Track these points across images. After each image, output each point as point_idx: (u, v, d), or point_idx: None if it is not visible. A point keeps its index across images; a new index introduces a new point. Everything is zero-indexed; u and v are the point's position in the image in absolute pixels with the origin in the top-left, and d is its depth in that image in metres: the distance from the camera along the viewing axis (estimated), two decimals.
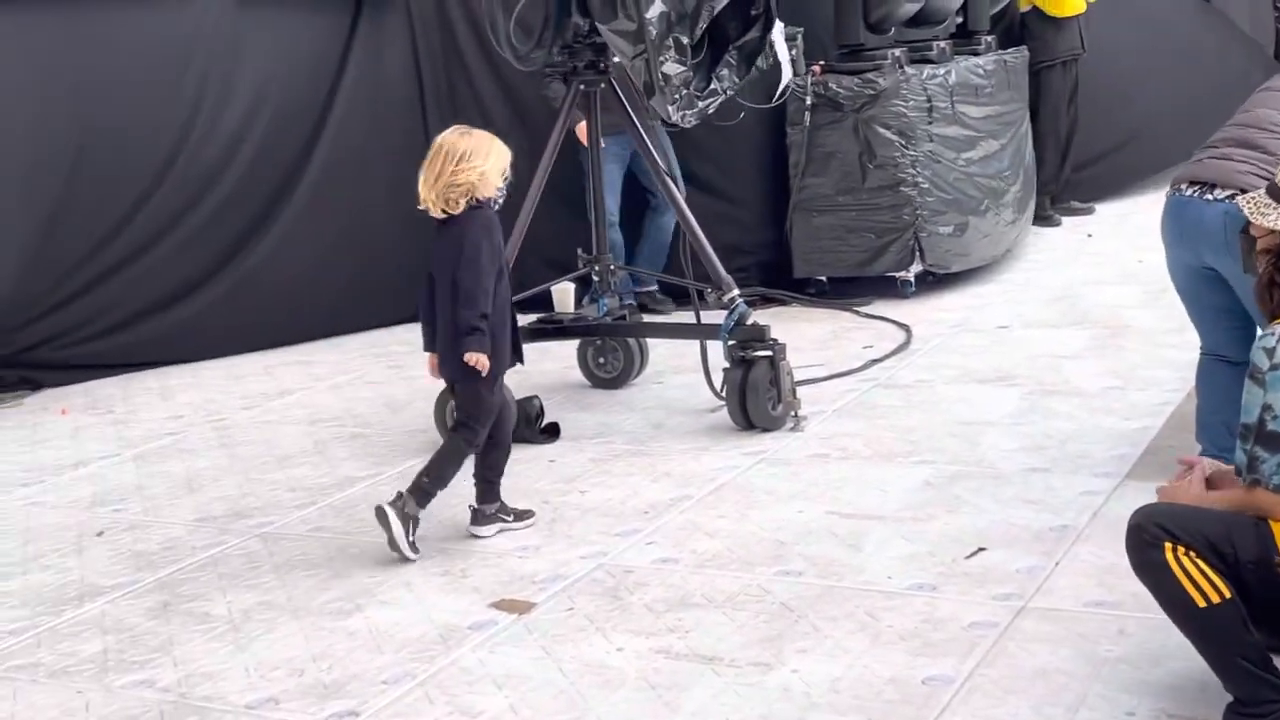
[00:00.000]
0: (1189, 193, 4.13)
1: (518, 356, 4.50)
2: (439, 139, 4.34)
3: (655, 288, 7.56)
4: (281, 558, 4.42)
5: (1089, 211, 9.54)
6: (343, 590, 4.12)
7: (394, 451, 5.46)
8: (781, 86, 6.00)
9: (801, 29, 7.13)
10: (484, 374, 4.26)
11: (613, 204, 7.21)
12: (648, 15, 5.05)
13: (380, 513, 4.26)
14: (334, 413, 6.13)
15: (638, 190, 7.48)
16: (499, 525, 4.47)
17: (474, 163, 4.24)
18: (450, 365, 4.33)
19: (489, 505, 4.48)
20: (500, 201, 4.37)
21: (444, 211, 4.31)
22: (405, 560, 4.24)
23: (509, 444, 4.52)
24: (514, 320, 4.46)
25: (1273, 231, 2.89)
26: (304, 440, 5.73)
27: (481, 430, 4.37)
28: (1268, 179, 3.87)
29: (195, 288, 7.19)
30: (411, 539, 4.26)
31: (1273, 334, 2.82)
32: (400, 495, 4.29)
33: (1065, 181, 9.55)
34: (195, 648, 3.80)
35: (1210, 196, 4.04)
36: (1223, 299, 4.12)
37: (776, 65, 5.91)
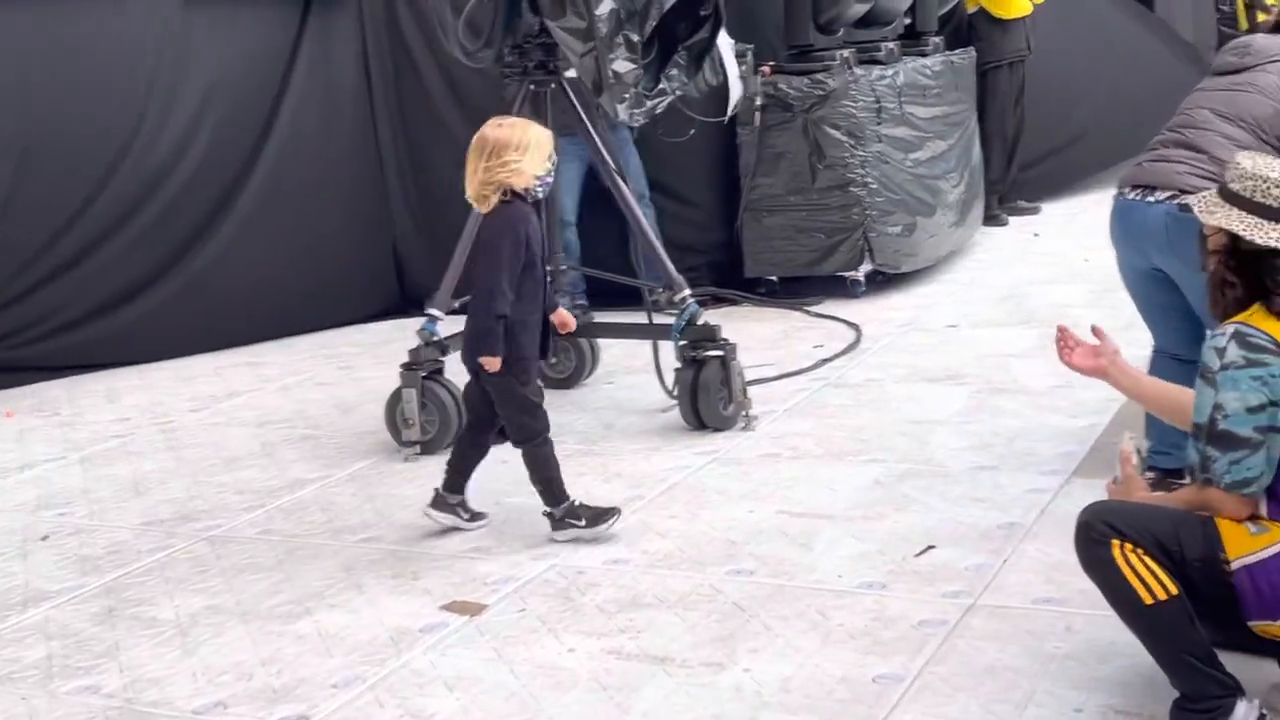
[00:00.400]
0: (1132, 196, 4.18)
1: (545, 352, 4.42)
2: (479, 132, 4.24)
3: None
4: (229, 561, 4.39)
5: (1035, 211, 9.63)
6: (292, 593, 4.09)
7: (344, 453, 5.43)
8: (732, 102, 6.03)
9: (751, 46, 7.17)
10: (504, 372, 4.20)
11: (570, 204, 7.19)
12: (597, 12, 5.05)
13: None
14: (283, 414, 6.09)
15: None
16: (454, 519, 4.46)
17: (507, 157, 4.14)
18: (471, 360, 4.27)
19: (452, 495, 4.47)
20: (541, 192, 4.27)
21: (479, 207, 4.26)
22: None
23: (486, 446, 4.47)
24: (545, 313, 4.35)
25: (1222, 231, 2.92)
26: (253, 442, 5.68)
27: (532, 422, 4.30)
28: (1207, 178, 3.93)
29: (143, 289, 7.12)
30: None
31: (1223, 333, 2.85)
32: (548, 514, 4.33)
33: (1012, 181, 9.63)
34: (142, 653, 3.76)
35: (1152, 199, 4.11)
36: (1172, 298, 4.18)
37: (726, 81, 5.93)
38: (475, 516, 4.50)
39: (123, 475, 5.36)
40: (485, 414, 4.38)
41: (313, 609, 3.97)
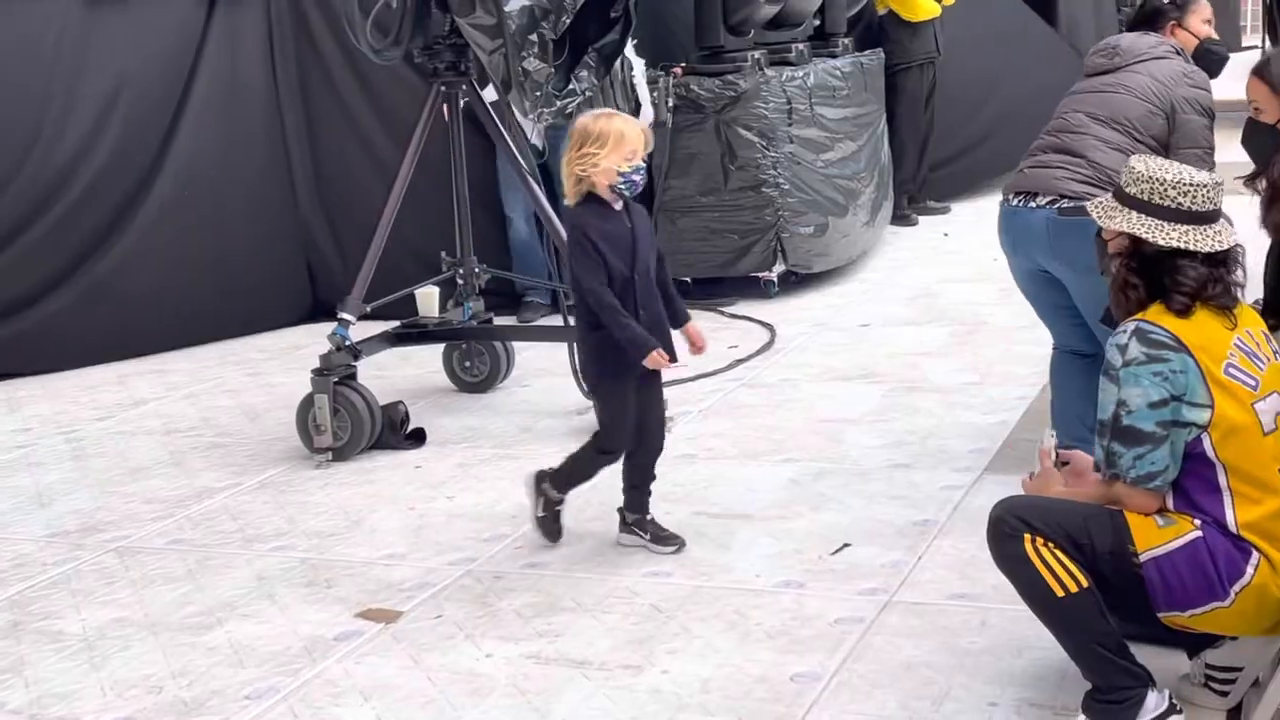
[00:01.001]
0: (1015, 202, 4.25)
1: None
2: (574, 123, 4.02)
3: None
4: (138, 572, 4.30)
5: (945, 210, 9.75)
6: (203, 604, 4.02)
7: (254, 460, 5.34)
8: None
9: (663, 73, 7.17)
10: (598, 381, 4.07)
11: (518, 202, 7.16)
12: (507, 9, 5.02)
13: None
14: (191, 422, 5.98)
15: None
16: (636, 539, 4.21)
17: (587, 149, 3.89)
18: (596, 375, 4.12)
19: (631, 514, 4.23)
20: (626, 190, 3.95)
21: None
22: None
23: (652, 449, 4.21)
24: (654, 321, 4.02)
25: (1123, 234, 2.96)
26: (160, 451, 5.58)
27: (608, 437, 4.10)
28: (1085, 183, 4.01)
29: (44, 296, 6.95)
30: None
31: (1125, 331, 2.89)
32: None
33: (923, 181, 9.74)
34: (48, 667, 3.67)
35: (1033, 204, 4.18)
36: (1062, 298, 4.25)
37: (638, 106, 5.93)
38: (661, 539, 4.19)
39: (25, 486, 5.23)
40: (642, 420, 4.14)
41: (224, 619, 3.90)
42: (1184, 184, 2.90)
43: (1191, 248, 2.88)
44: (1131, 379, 2.84)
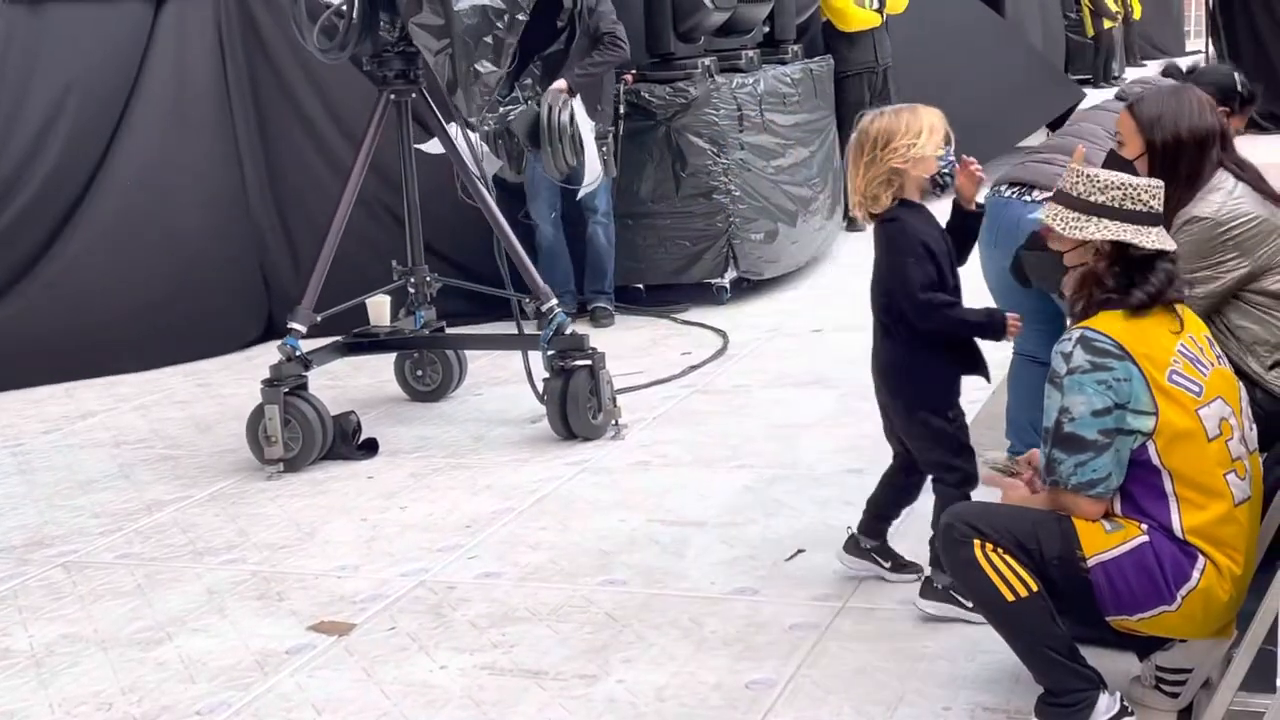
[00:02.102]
0: (1008, 194, 4.22)
1: (977, 368, 3.69)
2: (858, 128, 3.60)
3: (601, 303, 7.42)
4: (86, 587, 4.25)
5: None
6: (152, 619, 3.98)
7: (204, 473, 5.30)
8: (586, 182, 6.03)
9: (613, 129, 7.18)
10: (916, 409, 3.63)
11: (544, 209, 7.16)
12: (458, 8, 5.00)
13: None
14: (140, 434, 5.92)
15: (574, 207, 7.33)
16: (870, 567, 3.87)
17: (898, 142, 3.52)
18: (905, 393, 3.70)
19: (868, 540, 3.88)
20: (947, 171, 3.63)
21: (870, 215, 3.64)
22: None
23: (916, 488, 3.83)
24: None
25: (1088, 244, 2.95)
26: (108, 464, 5.51)
27: (960, 463, 3.60)
28: None
29: None
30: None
31: (1069, 339, 2.91)
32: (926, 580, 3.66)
33: None
34: None
35: (1029, 198, 4.14)
36: (1034, 301, 4.21)
37: (582, 160, 5.93)
38: (901, 566, 3.86)
39: None
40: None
41: (174, 634, 3.86)
42: (1153, 187, 2.93)
43: (1168, 248, 2.91)
44: (1076, 387, 2.86)
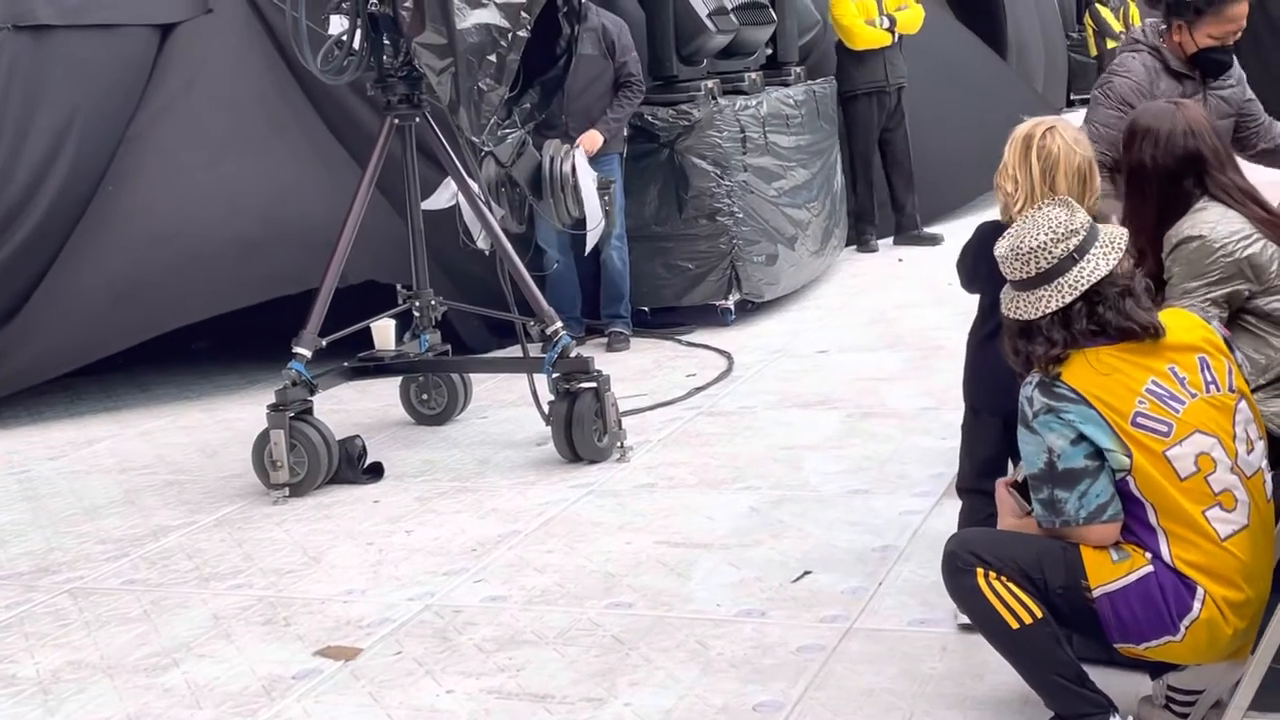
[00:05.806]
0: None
1: None
2: (1039, 146, 3.36)
3: (618, 327, 7.40)
4: (92, 614, 4.24)
5: (937, 241, 9.44)
6: (158, 645, 3.97)
7: (210, 498, 5.29)
8: (590, 234, 6.04)
9: (614, 180, 7.19)
10: None
11: (552, 234, 7.02)
12: (462, 26, 5.02)
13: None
14: (145, 460, 5.92)
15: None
16: None
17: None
18: None
19: None
20: None
21: None
22: None
23: None
24: None
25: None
26: (114, 489, 5.52)
27: None
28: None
29: None
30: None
31: (1030, 383, 2.90)
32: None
33: (913, 211, 9.63)
34: (1, 712, 3.61)
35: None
36: None
37: (584, 212, 5.93)
38: None
39: None
40: None
41: (180, 660, 3.86)
42: (1060, 229, 2.86)
43: (1094, 281, 2.84)
44: (1044, 426, 2.85)
